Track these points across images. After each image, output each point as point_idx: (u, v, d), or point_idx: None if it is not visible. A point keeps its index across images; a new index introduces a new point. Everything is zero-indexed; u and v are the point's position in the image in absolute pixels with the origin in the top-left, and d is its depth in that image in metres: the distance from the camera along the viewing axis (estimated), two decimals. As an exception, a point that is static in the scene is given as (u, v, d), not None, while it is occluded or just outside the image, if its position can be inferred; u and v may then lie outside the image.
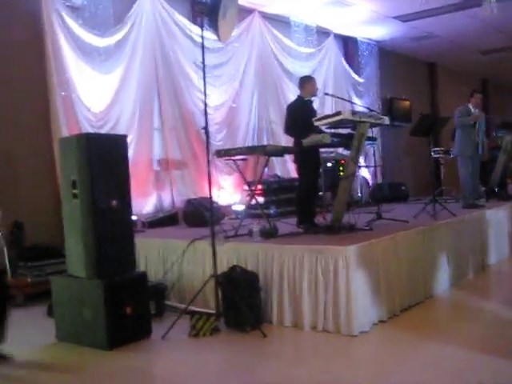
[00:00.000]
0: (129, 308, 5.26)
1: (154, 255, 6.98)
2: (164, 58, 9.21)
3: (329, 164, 10.25)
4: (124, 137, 5.73)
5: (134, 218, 6.79)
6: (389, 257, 5.84)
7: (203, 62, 5.75)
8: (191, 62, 9.36)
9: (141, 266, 6.78)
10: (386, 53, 14.90)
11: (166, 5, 9.27)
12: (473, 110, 9.15)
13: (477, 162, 9.24)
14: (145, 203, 8.84)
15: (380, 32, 13.51)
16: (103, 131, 8.10)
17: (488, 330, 5.34)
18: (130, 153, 8.05)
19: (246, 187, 8.75)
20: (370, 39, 14.08)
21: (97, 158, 5.17)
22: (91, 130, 7.94)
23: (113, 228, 5.29)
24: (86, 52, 8.16)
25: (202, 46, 5.79)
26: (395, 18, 12.31)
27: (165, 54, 9.23)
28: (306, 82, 7.39)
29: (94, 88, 8.27)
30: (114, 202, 5.27)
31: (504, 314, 5.88)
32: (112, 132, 8.17)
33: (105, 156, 5.25)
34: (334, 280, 5.34)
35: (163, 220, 8.66)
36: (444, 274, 6.91)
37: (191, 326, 5.47)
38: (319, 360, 4.79)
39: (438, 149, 11.99)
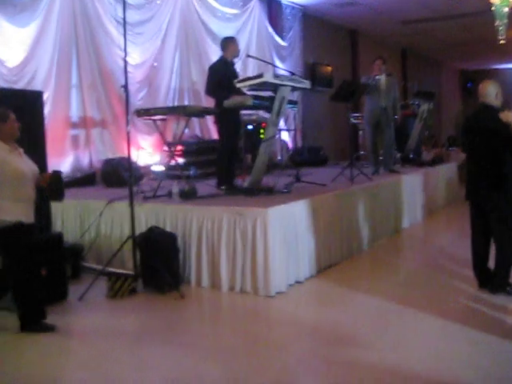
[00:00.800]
0: (43, 270, 5.15)
1: (71, 216, 6.84)
2: (83, 13, 8.87)
3: (249, 126, 10.25)
4: (40, 93, 5.57)
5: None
6: (306, 219, 5.95)
7: (124, 19, 5.62)
8: (112, 18, 9.08)
9: (57, 228, 6.62)
10: (309, 18, 14.93)
11: (87, -44, 8.92)
12: (378, 76, 9.14)
13: (388, 129, 9.23)
14: (62, 163, 8.58)
15: (304, -4, 13.52)
16: (18, 87, 7.76)
17: (394, 290, 5.54)
18: (47, 110, 7.81)
19: (165, 148, 8.65)
20: (294, 3, 14.05)
21: (10, 113, 4.97)
22: (5, 86, 7.60)
23: (27, 187, 5.13)
24: (0, 2, 7.77)
25: (123, 2, 5.65)
26: (320, -18, 12.34)
27: (84, 8, 8.89)
28: (229, 42, 7.35)
29: (8, 41, 7.89)
30: (29, 161, 5.11)
31: (413, 268, 6.13)
32: (28, 88, 7.86)
33: (19, 112, 5.05)
34: (252, 242, 5.41)
35: (81, 180, 8.46)
36: (360, 236, 7.11)
37: (109, 287, 5.44)
38: (238, 320, 4.87)
39: (356, 114, 12.17)
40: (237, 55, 7.44)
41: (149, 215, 6.13)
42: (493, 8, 13.66)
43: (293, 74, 7.51)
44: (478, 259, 5.26)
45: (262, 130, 10.08)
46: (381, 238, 7.72)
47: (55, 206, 6.26)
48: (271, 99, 6.60)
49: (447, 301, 5.09)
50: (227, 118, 7.03)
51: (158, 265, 5.40)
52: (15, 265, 4.54)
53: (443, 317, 4.62)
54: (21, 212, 4.49)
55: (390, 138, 9.28)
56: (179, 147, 8.80)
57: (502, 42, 14.62)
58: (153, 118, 7.16)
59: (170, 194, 6.46)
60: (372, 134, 9.25)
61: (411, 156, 11.30)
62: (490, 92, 5.20)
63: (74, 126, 8.88)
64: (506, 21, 13.89)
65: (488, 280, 5.20)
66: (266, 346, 4.24)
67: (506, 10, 13.63)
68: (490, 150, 5.04)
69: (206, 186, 7.29)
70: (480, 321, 4.55)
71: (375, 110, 9.01)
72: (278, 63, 13.12)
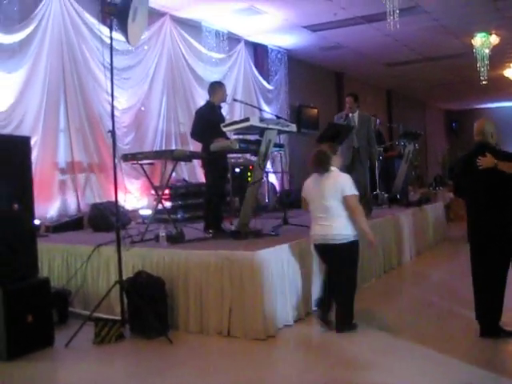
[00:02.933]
0: (30, 316, 5.10)
1: (58, 261, 6.79)
2: (72, 59, 8.98)
3: (237, 169, 10.31)
4: (27, 138, 5.60)
5: (36, 222, 6.59)
6: (294, 262, 5.94)
7: (111, 64, 5.68)
8: (100, 64, 9.18)
9: (44, 272, 6.57)
10: (295, 61, 15.14)
11: (76, 4, 9.02)
12: (350, 115, 8.82)
13: (361, 169, 8.76)
14: (49, 207, 8.57)
15: (290, 40, 13.72)
16: (6, 132, 7.79)
17: (386, 331, 5.52)
18: (34, 155, 7.83)
19: (153, 192, 8.66)
20: (279, 47, 14.27)
21: (-3, 159, 5.00)
22: (-8, 131, 7.64)
23: (14, 232, 5.12)
24: (-12, 48, 7.85)
25: (111, 48, 5.72)
26: (305, 27, 12.54)
27: (72, 54, 8.99)
28: (217, 87, 7.42)
29: (-3, 87, 7.97)
30: (15, 206, 5.12)
31: (403, 309, 6.11)
32: (15, 133, 7.88)
33: (6, 157, 5.08)
34: (240, 285, 5.39)
35: (68, 224, 8.43)
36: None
37: (95, 333, 5.38)
38: (227, 365, 4.81)
39: (343, 156, 12.23)
40: (224, 100, 7.52)
41: (136, 259, 6.10)
42: (474, 50, 13.96)
43: (279, 117, 7.59)
44: (480, 306, 5.15)
45: (249, 173, 10.15)
46: (370, 279, 7.71)
47: (42, 251, 6.23)
48: (258, 142, 6.65)
49: (440, 340, 5.08)
50: (214, 162, 7.07)
51: (145, 310, 5.35)
52: None
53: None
54: None
55: (364, 180, 8.76)
56: (167, 191, 8.82)
57: (484, 82, 14.91)
58: (140, 162, 7.19)
59: (157, 238, 6.44)
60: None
61: (398, 196, 11.36)
62: (487, 130, 5.20)
63: (62, 170, 8.90)
64: (487, 62, 14.18)
65: (489, 328, 5.07)
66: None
67: (487, 51, 13.94)
68: (493, 190, 5.00)
69: (194, 230, 7.29)
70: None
71: (347, 151, 8.52)
72: (264, 106, 13.27)
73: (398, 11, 9.88)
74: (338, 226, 5.37)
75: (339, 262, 5.43)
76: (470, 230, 5.24)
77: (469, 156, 5.25)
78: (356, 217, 5.40)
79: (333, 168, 5.52)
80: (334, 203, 5.35)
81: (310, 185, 5.68)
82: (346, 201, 5.36)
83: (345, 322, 5.40)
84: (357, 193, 5.42)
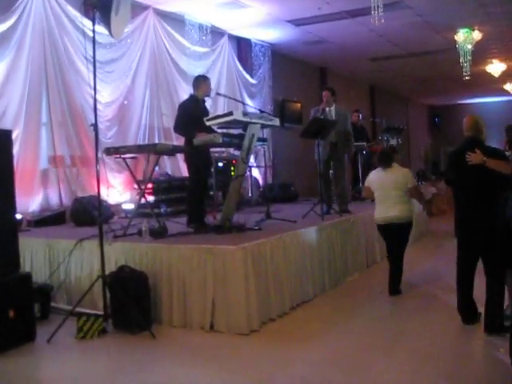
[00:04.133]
0: (11, 311, 5.06)
1: (40, 255, 6.75)
2: (54, 51, 8.89)
3: (220, 164, 10.29)
4: (9, 132, 5.52)
5: (18, 216, 6.54)
6: (277, 256, 5.95)
7: (94, 57, 5.64)
8: (82, 57, 9.08)
9: (25, 267, 6.52)
10: (279, 55, 15.13)
11: (58, -4, 8.97)
12: (327, 109, 8.66)
13: (339, 164, 8.70)
14: (31, 201, 8.50)
15: (274, 35, 13.70)
16: (-13, 126, 7.73)
17: (369, 325, 5.56)
18: (16, 149, 7.76)
19: (135, 186, 8.63)
20: (263, 41, 14.25)
21: (-22, 153, 4.95)
22: (-27, 124, 7.57)
23: (-5, 227, 5.07)
24: (-31, 42, 7.77)
25: (93, 41, 5.68)
26: (289, 21, 12.53)
27: (54, 46, 8.91)
28: (201, 81, 7.39)
29: (-22, 80, 7.89)
30: (-4, 200, 5.06)
31: (385, 310, 6.14)
32: (-4, 127, 7.82)
33: (-13, 151, 5.03)
34: (224, 279, 5.39)
35: (50, 219, 8.37)
36: (332, 271, 7.13)
37: (78, 328, 5.36)
38: (210, 360, 4.80)
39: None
40: (208, 94, 7.50)
41: (119, 254, 6.08)
42: (457, 46, 14.03)
43: (262, 111, 7.58)
44: (464, 298, 5.25)
45: (232, 168, 10.13)
46: (353, 273, 7.76)
47: (23, 245, 6.18)
48: (241, 137, 6.65)
49: (423, 336, 5.11)
50: (197, 156, 7.05)
51: (128, 305, 5.34)
52: None
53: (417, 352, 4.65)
54: None
55: (342, 176, 8.75)
56: (150, 185, 8.78)
57: (466, 78, 14.99)
58: (123, 156, 7.16)
59: (140, 233, 6.42)
60: (324, 171, 8.61)
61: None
62: (479, 126, 5.25)
63: (44, 164, 8.83)
64: (469, 58, 14.26)
65: (472, 317, 5.23)
66: (239, 386, 4.20)
67: (470, 47, 14.01)
68: (482, 186, 5.03)
69: (177, 224, 7.28)
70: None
71: (325, 146, 8.45)
72: (247, 100, 13.25)
73: (382, 6, 9.89)
74: (402, 210, 6.62)
75: (401, 237, 6.74)
76: (458, 225, 5.27)
77: (459, 151, 5.26)
78: (420, 202, 7.34)
79: (394, 164, 6.77)
80: (398, 192, 6.59)
81: (375, 177, 6.91)
82: (409, 190, 6.68)
83: (399, 282, 6.77)
84: (416, 183, 6.93)
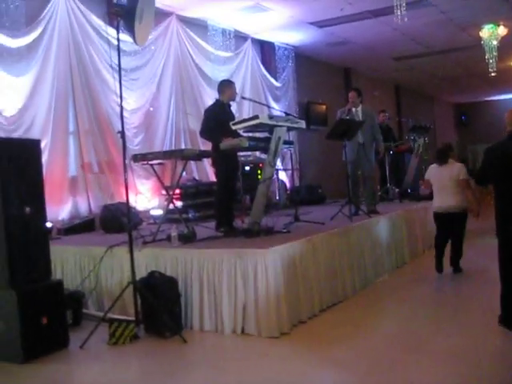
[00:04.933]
0: (44, 318, 5.11)
1: (71, 263, 6.82)
2: (79, 61, 9.01)
3: (247, 167, 10.31)
4: (37, 142, 5.59)
5: (48, 225, 6.60)
6: (307, 258, 5.92)
7: (119, 65, 5.68)
8: (107, 65, 9.18)
9: (57, 275, 6.60)
10: (302, 57, 15.12)
11: (82, 6, 9.05)
12: (354, 109, 8.69)
13: (368, 164, 8.74)
14: (60, 210, 8.61)
15: (297, 37, 13.71)
16: (16, 136, 7.82)
17: (400, 326, 5.51)
18: (45, 158, 7.83)
19: (163, 192, 8.67)
20: (286, 44, 14.26)
21: (8, 163, 5.00)
22: (3, 135, 7.65)
23: (26, 236, 5.13)
24: (-3, 52, 7.88)
25: (118, 49, 5.72)
26: (312, 23, 12.52)
27: (80, 56, 9.02)
28: (226, 86, 7.40)
29: (6, 91, 7.99)
30: (27, 209, 5.12)
31: (416, 311, 6.07)
32: (25, 137, 7.91)
33: (17, 161, 5.09)
34: (254, 283, 5.38)
35: (80, 226, 8.46)
36: (361, 273, 7.08)
37: (110, 333, 5.38)
38: (242, 363, 4.79)
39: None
40: (233, 98, 7.50)
41: (149, 260, 6.11)
42: (482, 42, 13.89)
43: (288, 114, 7.58)
44: (507, 299, 5.05)
45: (259, 171, 10.14)
46: (383, 273, 7.70)
47: (54, 253, 6.24)
48: (267, 140, 6.64)
49: (455, 337, 5.05)
50: (224, 160, 7.06)
51: (159, 310, 5.36)
52: None
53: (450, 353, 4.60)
54: None
55: (370, 176, 8.82)
56: (177, 191, 8.81)
57: (492, 74, 14.84)
58: (150, 162, 7.20)
59: (169, 238, 6.44)
60: (352, 172, 8.56)
61: (409, 191, 11.33)
62: None
63: (72, 172, 8.92)
64: (495, 54, 14.10)
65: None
66: (272, 389, 4.19)
67: (495, 43, 13.86)
68: None
69: (205, 229, 7.28)
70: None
71: (353, 147, 8.47)
72: (272, 104, 13.26)
73: (405, 5, 9.84)
74: (457, 200, 7.39)
75: (457, 224, 7.48)
76: (501, 222, 5.08)
77: (503, 147, 5.10)
78: (467, 193, 7.41)
79: (450, 160, 7.55)
80: (453, 184, 7.28)
81: (433, 171, 7.76)
82: (460, 182, 7.34)
83: (458, 262, 7.59)
84: (468, 177, 7.35)
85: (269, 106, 11.87)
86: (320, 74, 16.33)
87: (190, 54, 11.30)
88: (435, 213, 7.73)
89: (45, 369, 4.85)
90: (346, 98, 8.88)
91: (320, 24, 12.61)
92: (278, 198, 11.79)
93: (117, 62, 5.67)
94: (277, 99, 13.87)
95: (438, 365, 4.37)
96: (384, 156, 11.26)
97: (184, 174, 8.24)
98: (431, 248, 9.59)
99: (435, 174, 7.70)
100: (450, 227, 7.55)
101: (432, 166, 7.88)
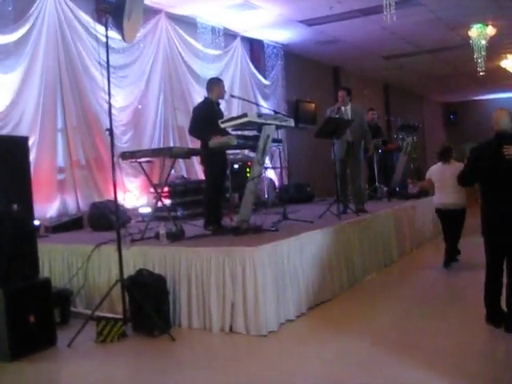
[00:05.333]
0: (32, 316, 5.10)
1: (59, 261, 6.79)
2: (67, 58, 8.95)
3: (236, 166, 10.30)
4: (25, 139, 5.57)
5: (36, 222, 6.57)
6: (295, 257, 5.94)
7: (107, 62, 5.65)
8: (96, 62, 9.13)
9: (44, 273, 6.56)
10: (291, 56, 15.13)
11: (70, 3, 8.99)
12: (343, 108, 8.72)
13: (356, 163, 8.76)
14: (48, 207, 8.56)
15: (286, 35, 13.70)
16: (3, 133, 7.77)
17: (388, 325, 5.53)
18: (33, 155, 7.81)
19: (152, 189, 8.65)
20: (276, 42, 14.25)
21: (-5, 160, 4.98)
22: (-10, 132, 7.62)
23: (13, 233, 5.11)
24: (-16, 49, 7.83)
25: (107, 46, 5.69)
26: (301, 21, 12.52)
27: (68, 53, 8.97)
28: (215, 84, 7.40)
29: (-7, 88, 7.95)
30: (15, 207, 5.10)
31: (404, 310, 6.10)
32: (13, 133, 7.86)
33: (4, 158, 5.07)
34: (242, 281, 5.39)
35: (68, 224, 8.42)
36: (349, 272, 7.10)
37: (98, 332, 5.37)
38: (230, 361, 4.80)
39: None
40: (222, 97, 7.50)
41: (137, 258, 6.10)
42: (471, 41, 13.95)
43: (276, 112, 7.59)
44: (492, 297, 5.10)
45: (248, 169, 10.13)
46: (371, 272, 7.72)
47: (42, 251, 6.21)
48: (256, 138, 6.64)
49: (444, 335, 5.08)
50: (213, 158, 7.06)
51: (147, 308, 5.35)
52: None
53: (437, 352, 4.61)
54: None
55: (359, 175, 8.80)
56: (166, 188, 8.80)
57: (481, 73, 14.90)
58: (138, 160, 7.18)
59: (157, 236, 6.44)
60: (340, 170, 8.55)
61: (397, 189, 11.37)
62: (507, 120, 5.10)
63: (60, 170, 8.90)
64: (484, 53, 14.18)
65: (499, 318, 5.04)
66: (259, 388, 4.19)
67: (484, 42, 13.93)
68: None
69: (194, 227, 7.28)
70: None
71: (342, 145, 8.50)
72: (261, 102, 13.27)
73: (394, 4, 9.86)
74: (457, 198, 7.77)
75: (456, 220, 7.92)
76: (487, 223, 5.10)
77: (490, 146, 5.09)
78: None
79: (452, 160, 7.95)
80: (454, 183, 6.59)
81: (436, 170, 8.16)
82: None
83: (452, 256, 8.02)
84: None
85: (258, 104, 11.85)
86: (309, 72, 16.34)
87: (179, 52, 11.28)
88: (437, 209, 8.16)
89: (32, 367, 4.84)
90: (335, 96, 8.92)
91: (309, 22, 12.61)
92: (266, 196, 11.78)
93: (105, 59, 5.65)
94: (266, 97, 13.87)
95: (427, 363, 4.38)
96: (372, 154, 11.31)
97: (172, 171, 8.23)
98: (419, 246, 9.70)
99: (438, 172, 8.08)
100: (451, 222, 7.96)
101: (434, 166, 8.24)
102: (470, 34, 13.83)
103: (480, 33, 13.74)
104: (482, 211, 5.16)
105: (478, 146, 5.28)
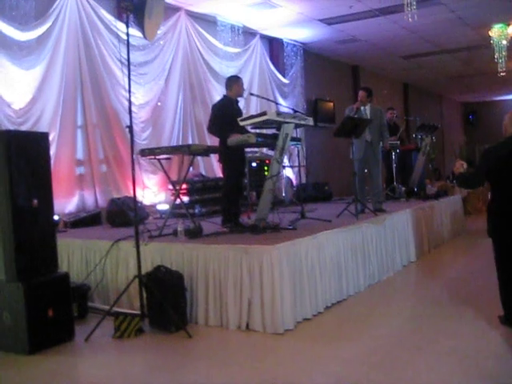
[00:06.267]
0: (50, 310, 5.15)
1: (77, 256, 6.85)
2: (88, 55, 9.02)
3: (254, 164, 10.32)
4: (46, 134, 5.60)
5: (55, 217, 6.63)
6: (312, 256, 5.93)
7: (128, 60, 5.69)
8: (116, 60, 9.20)
9: (63, 267, 6.61)
10: (311, 54, 15.11)
11: (92, 0, 9.08)
12: (362, 108, 8.70)
13: (375, 162, 8.71)
14: (67, 203, 8.64)
15: (305, 34, 13.68)
16: (24, 128, 7.86)
17: (405, 325, 5.51)
18: (52, 151, 7.90)
19: (170, 186, 8.69)
20: (295, 41, 14.24)
21: (17, 155, 5.03)
22: (11, 128, 7.69)
23: (34, 228, 5.16)
24: (6, 46, 7.88)
25: (127, 44, 5.72)
26: (321, 20, 12.50)
27: (89, 50, 9.04)
28: (234, 82, 7.42)
29: (15, 84, 8.00)
30: (35, 202, 5.15)
31: (421, 310, 6.07)
32: (34, 130, 7.94)
33: (25, 154, 5.11)
34: (259, 279, 5.39)
35: (86, 220, 8.48)
36: (366, 272, 7.08)
37: (115, 327, 5.41)
38: (246, 359, 4.81)
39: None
40: (241, 94, 7.51)
41: (155, 254, 6.13)
42: (492, 41, 13.85)
43: (295, 111, 7.59)
44: (508, 298, 5.05)
45: (266, 168, 10.17)
46: (389, 272, 7.69)
47: (61, 246, 6.27)
48: (275, 137, 6.65)
49: (461, 336, 5.05)
50: (231, 156, 7.07)
51: (164, 304, 5.38)
52: None
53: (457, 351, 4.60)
54: None
55: (377, 175, 8.77)
56: (184, 186, 8.83)
57: (501, 73, 14.79)
58: (157, 157, 7.22)
59: (175, 233, 6.47)
60: (359, 170, 8.52)
61: (415, 189, 11.31)
62: None
63: (80, 166, 8.97)
64: (504, 53, 14.07)
65: None
66: (276, 385, 4.20)
67: (505, 42, 13.82)
68: None
69: (212, 224, 7.30)
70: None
71: (360, 145, 8.49)
72: (280, 100, 13.27)
73: (414, 3, 9.81)
74: None
75: None
76: (496, 222, 5.06)
77: (507, 146, 5.05)
78: None
79: None
80: None
81: None
82: None
83: None
84: None
85: (276, 103, 11.87)
86: (328, 71, 16.31)
87: (199, 50, 11.31)
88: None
89: (50, 361, 4.88)
90: (354, 95, 8.95)
91: (329, 21, 12.59)
92: (284, 194, 11.80)
93: (126, 57, 5.68)
94: (285, 96, 13.86)
95: (442, 363, 4.37)
96: (390, 154, 11.28)
97: (191, 169, 8.27)
98: (437, 247, 9.64)
99: None
100: None
101: None
102: (490, 33, 13.73)
103: (501, 33, 13.64)
104: (491, 211, 5.13)
105: (494, 147, 5.22)
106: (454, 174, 5.34)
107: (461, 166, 5.29)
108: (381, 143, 8.89)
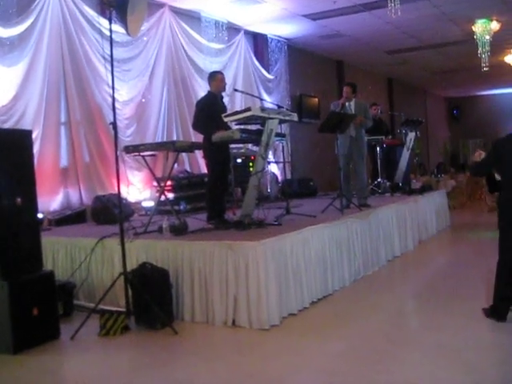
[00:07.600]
0: (35, 309, 5.12)
1: (62, 254, 6.82)
2: (71, 51, 8.96)
3: (239, 160, 10.31)
4: (29, 132, 5.57)
5: (40, 215, 6.59)
6: (297, 251, 5.94)
7: (111, 56, 5.66)
8: (99, 56, 9.15)
9: (48, 266, 6.57)
10: (295, 50, 15.12)
11: (74, -4, 9.02)
12: (347, 103, 8.65)
13: (359, 158, 8.67)
14: (52, 200, 8.58)
15: (290, 29, 13.68)
16: (7, 126, 7.78)
17: (390, 319, 5.54)
18: (36, 148, 7.83)
19: (155, 183, 8.66)
20: (279, 36, 14.23)
21: (0, 153, 4.99)
22: (-6, 125, 7.63)
23: (18, 227, 5.13)
24: (-12, 43, 7.83)
25: (110, 40, 5.69)
26: (305, 16, 12.49)
27: (72, 46, 8.97)
28: (212, 77, 7.43)
29: (-3, 81, 7.95)
30: (19, 200, 5.11)
31: (406, 304, 6.11)
32: (17, 127, 7.88)
33: (8, 152, 5.08)
34: (245, 275, 5.40)
35: (71, 217, 8.45)
36: (351, 267, 7.10)
37: (101, 325, 5.39)
38: (232, 355, 4.82)
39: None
40: (222, 89, 7.48)
41: (140, 251, 6.12)
42: (475, 36, 13.92)
43: (280, 106, 7.59)
44: (504, 292, 5.07)
45: (251, 164, 10.14)
46: (374, 267, 7.72)
47: (46, 244, 6.23)
48: (259, 132, 6.64)
49: (446, 330, 5.09)
50: (216, 152, 7.06)
51: (150, 301, 5.36)
52: None
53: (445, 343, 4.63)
54: None
55: (362, 170, 8.73)
56: (169, 182, 8.80)
57: (485, 69, 14.87)
58: (142, 154, 7.19)
59: (160, 230, 6.46)
60: (344, 165, 8.55)
61: (400, 184, 11.36)
62: None
63: (64, 163, 8.90)
64: (488, 48, 14.14)
65: (506, 312, 5.04)
66: (263, 380, 4.20)
67: (488, 37, 13.89)
68: None
69: (197, 221, 7.29)
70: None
71: (345, 140, 8.47)
72: (264, 96, 13.25)
73: (398, -2, 9.85)
74: None
75: None
76: (506, 214, 5.08)
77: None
78: None
79: None
80: None
81: None
82: None
83: None
84: None
85: (261, 99, 11.85)
86: (313, 66, 16.32)
87: (183, 46, 11.26)
88: None
89: (35, 359, 4.86)
90: (339, 91, 8.95)
91: (313, 16, 12.59)
92: (269, 190, 11.79)
93: (109, 53, 5.65)
94: (269, 91, 13.86)
95: (428, 357, 4.39)
96: (375, 149, 11.32)
97: (176, 165, 8.25)
98: (422, 242, 9.69)
99: None
100: None
101: None
102: (474, 29, 13.80)
103: (484, 28, 13.70)
104: (501, 203, 5.15)
105: (505, 138, 5.24)
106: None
107: (479, 156, 5.44)
108: (365, 138, 8.90)
